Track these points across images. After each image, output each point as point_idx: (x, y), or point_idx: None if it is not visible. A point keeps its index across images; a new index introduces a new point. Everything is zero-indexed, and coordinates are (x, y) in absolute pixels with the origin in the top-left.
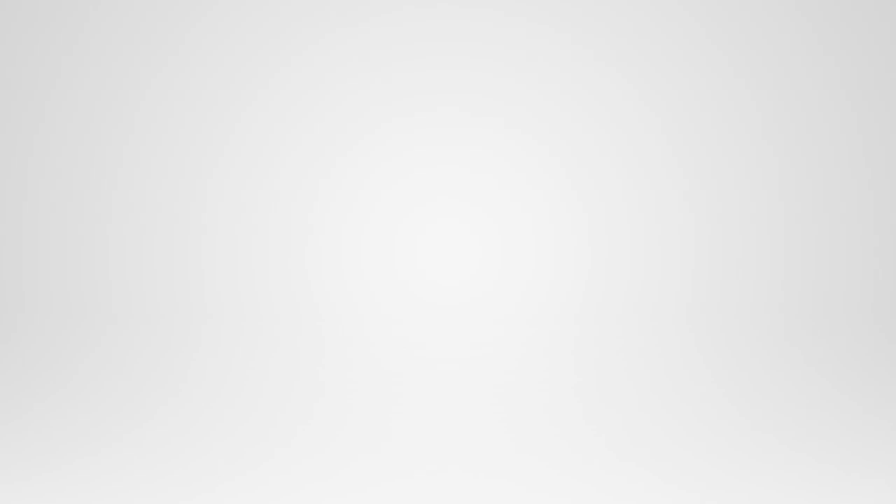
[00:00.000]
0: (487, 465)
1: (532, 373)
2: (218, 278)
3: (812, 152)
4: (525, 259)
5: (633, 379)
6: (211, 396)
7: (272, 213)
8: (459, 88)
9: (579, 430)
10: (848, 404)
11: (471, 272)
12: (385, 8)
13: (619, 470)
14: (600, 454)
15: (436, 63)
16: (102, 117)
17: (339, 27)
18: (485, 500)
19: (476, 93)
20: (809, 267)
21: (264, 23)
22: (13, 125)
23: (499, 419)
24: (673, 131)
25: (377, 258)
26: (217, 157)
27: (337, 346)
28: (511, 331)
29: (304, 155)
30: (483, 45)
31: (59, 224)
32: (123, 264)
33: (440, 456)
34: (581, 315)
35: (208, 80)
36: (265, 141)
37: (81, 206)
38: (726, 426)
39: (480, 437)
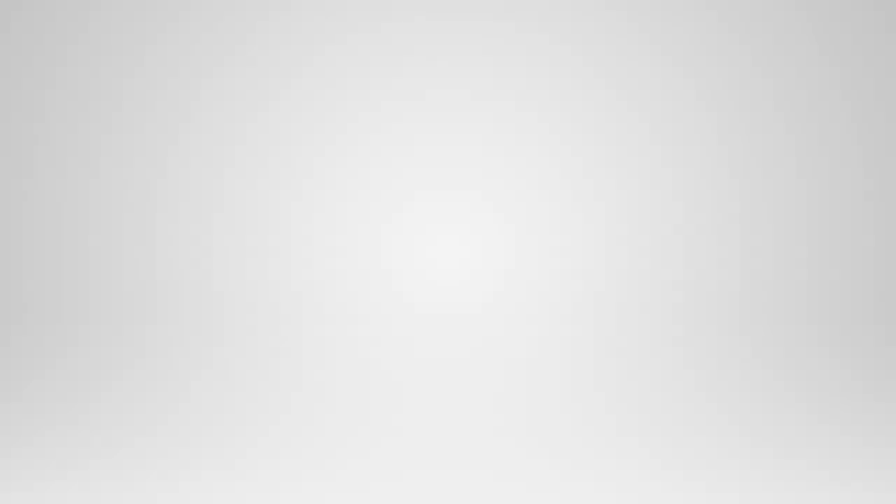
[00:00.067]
0: (487, 464)
1: (532, 373)
2: (218, 279)
3: (811, 152)
4: (525, 259)
5: (633, 379)
6: (208, 397)
7: (269, 214)
8: (459, 88)
9: (580, 430)
10: (848, 404)
11: (470, 272)
12: (386, 9)
13: (622, 469)
14: (601, 454)
15: (436, 63)
16: (102, 117)
17: (339, 28)
18: (485, 499)
19: (476, 93)
20: (809, 267)
21: (263, 24)
22: (13, 125)
23: (499, 419)
24: (673, 131)
25: (377, 258)
26: (215, 159)
27: (336, 346)
28: (511, 330)
29: (302, 155)
30: (483, 45)
31: (59, 224)
32: (122, 265)
33: (441, 455)
34: (581, 315)
35: (207, 81)
36: (263, 143)
37: (81, 206)
38: (726, 426)
39: (481, 437)
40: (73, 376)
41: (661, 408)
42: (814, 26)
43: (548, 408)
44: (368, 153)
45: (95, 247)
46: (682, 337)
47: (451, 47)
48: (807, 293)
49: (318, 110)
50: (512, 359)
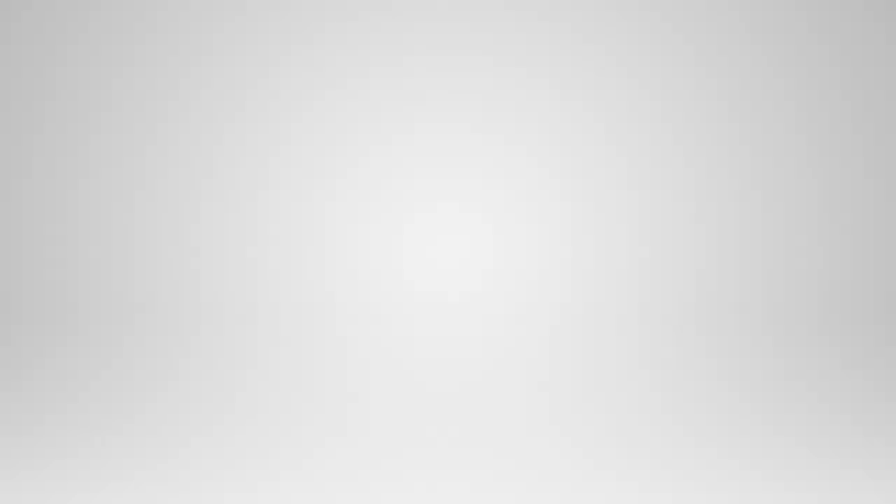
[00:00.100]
0: (487, 464)
1: (532, 373)
2: (219, 277)
3: (811, 152)
4: (525, 258)
5: (633, 379)
6: (208, 396)
7: (273, 212)
8: (460, 89)
9: (578, 430)
10: (848, 405)
11: (471, 271)
12: (386, 9)
13: (623, 469)
14: (600, 454)
15: (437, 63)
16: (102, 117)
17: (342, 29)
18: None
19: (477, 93)
20: (809, 267)
21: (269, 23)
22: (13, 125)
23: (499, 419)
24: (673, 132)
25: (377, 257)
26: (218, 157)
27: (337, 346)
28: (511, 330)
29: (303, 155)
30: (483, 45)
31: (59, 224)
32: (125, 263)
33: (441, 455)
34: (581, 315)
35: (209, 79)
36: (267, 141)
37: (80, 207)
38: (726, 427)
39: (481, 437)
40: (75, 376)
41: (661, 408)
42: (817, 25)
43: (548, 408)
44: (368, 153)
45: (96, 247)
46: (683, 337)
47: (455, 47)
48: (807, 293)
49: (317, 108)
50: (512, 359)
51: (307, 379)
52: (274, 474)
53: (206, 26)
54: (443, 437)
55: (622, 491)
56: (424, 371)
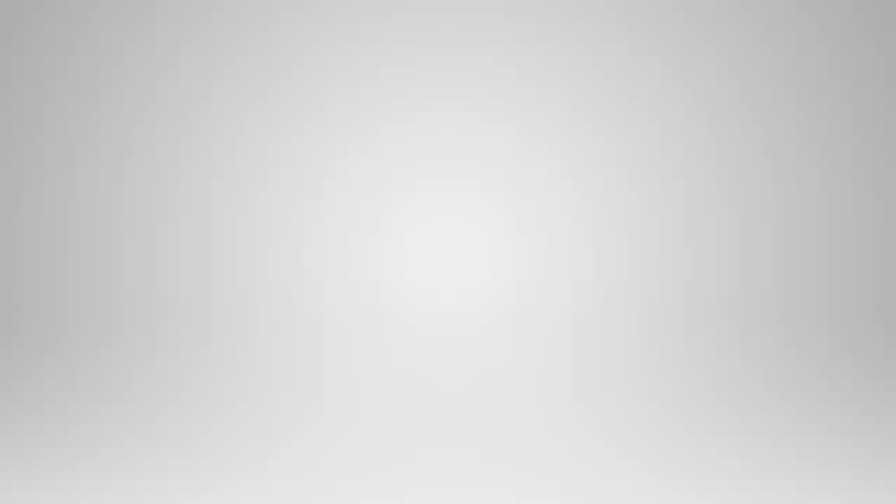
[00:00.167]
0: (490, 463)
1: (532, 373)
2: (219, 279)
3: (811, 154)
4: (526, 260)
5: (634, 380)
6: (213, 397)
7: (274, 215)
8: (460, 89)
9: (579, 431)
10: (848, 406)
11: (471, 272)
12: (387, 9)
13: (624, 470)
14: (602, 454)
15: (437, 63)
16: (102, 117)
17: (341, 28)
18: (487, 499)
19: (476, 96)
20: (809, 268)
21: (268, 24)
22: (13, 125)
23: (501, 419)
24: (672, 133)
25: (377, 259)
26: (218, 159)
27: (338, 347)
28: (512, 331)
29: (305, 158)
30: (482, 45)
31: (58, 224)
32: (125, 264)
33: (441, 456)
34: (582, 316)
35: (208, 80)
36: (267, 143)
37: (80, 206)
38: (725, 427)
39: (482, 437)
40: (77, 377)
41: (662, 409)
42: (819, 26)
43: (550, 409)
44: (367, 153)
45: (96, 247)
46: (684, 338)
47: (455, 47)
48: (807, 294)
49: (318, 111)
50: (513, 359)
51: (308, 380)
52: (276, 475)
53: (205, 27)
54: (445, 437)
55: (624, 491)
56: (426, 372)
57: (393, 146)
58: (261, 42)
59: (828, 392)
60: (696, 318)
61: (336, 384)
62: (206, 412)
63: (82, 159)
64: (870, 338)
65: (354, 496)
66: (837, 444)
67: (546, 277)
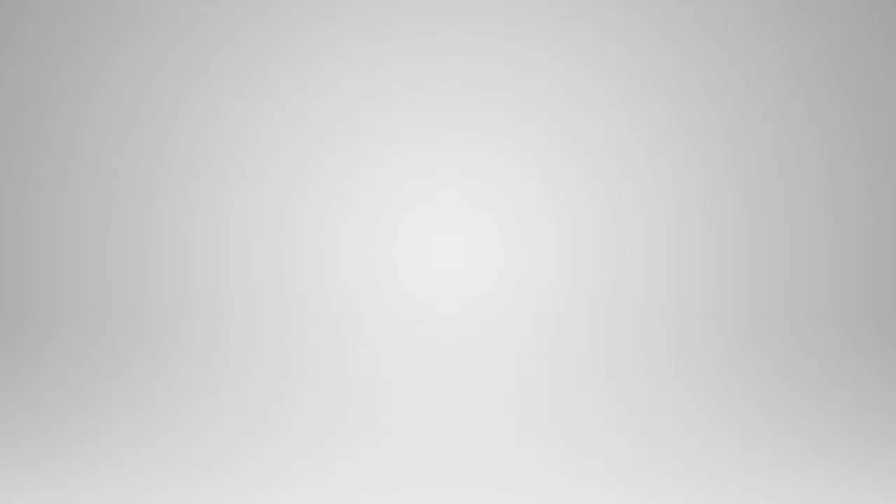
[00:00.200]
0: (488, 464)
1: (531, 375)
2: (218, 280)
3: (810, 153)
4: (524, 261)
5: (631, 380)
6: (212, 398)
7: (273, 215)
8: (460, 88)
9: (578, 431)
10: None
11: (470, 272)
12: (385, 9)
13: (621, 471)
14: (599, 455)
15: (437, 63)
16: (103, 117)
17: (342, 29)
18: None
19: (477, 93)
20: (809, 269)
21: (267, 24)
22: (13, 126)
23: (499, 420)
24: (672, 132)
25: (376, 260)
26: (217, 159)
27: (336, 348)
28: (510, 333)
29: (305, 158)
30: (482, 45)
31: (58, 224)
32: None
33: (442, 455)
34: (581, 317)
35: (207, 80)
36: (267, 144)
37: (80, 207)
38: (725, 427)
39: (481, 438)
40: (78, 378)
41: (661, 410)
42: (820, 27)
43: (548, 410)
44: (367, 153)
45: (97, 247)
46: (682, 339)
47: (454, 48)
48: (808, 294)
49: (317, 111)
50: (513, 359)
51: (306, 381)
52: (273, 475)
53: (204, 27)
54: (443, 437)
55: (622, 492)
56: (424, 372)
57: (393, 145)
58: (259, 43)
59: (830, 391)
60: (695, 321)
61: (335, 385)
62: (204, 414)
63: (83, 160)
64: (876, 338)
65: (354, 496)
66: (838, 444)
67: (544, 279)
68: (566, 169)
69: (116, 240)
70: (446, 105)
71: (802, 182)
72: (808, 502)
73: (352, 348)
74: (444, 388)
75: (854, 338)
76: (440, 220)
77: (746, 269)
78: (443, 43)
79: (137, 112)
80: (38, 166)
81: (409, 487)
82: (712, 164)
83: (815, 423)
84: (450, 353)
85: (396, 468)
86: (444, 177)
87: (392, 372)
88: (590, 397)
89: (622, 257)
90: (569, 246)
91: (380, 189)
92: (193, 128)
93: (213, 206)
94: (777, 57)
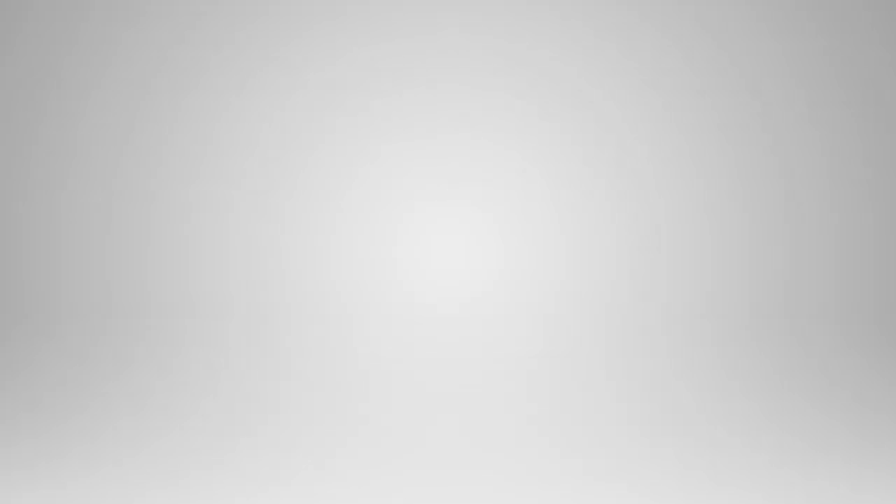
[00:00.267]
0: (488, 464)
1: (531, 375)
2: (218, 280)
3: (810, 154)
4: (525, 260)
5: (630, 381)
6: (212, 398)
7: (273, 216)
8: (460, 88)
9: (577, 431)
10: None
11: (470, 272)
12: (385, 9)
13: (620, 472)
14: (599, 455)
15: (437, 63)
16: (103, 117)
17: (340, 27)
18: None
19: (477, 93)
20: (809, 269)
21: (266, 24)
22: (13, 126)
23: (499, 420)
24: (672, 132)
25: (375, 260)
26: (217, 159)
27: (336, 347)
28: (511, 331)
29: (303, 155)
30: (482, 45)
31: (58, 224)
32: (125, 264)
33: (441, 456)
34: (580, 317)
35: (207, 81)
36: (266, 144)
37: (80, 207)
38: (725, 427)
39: (481, 438)
40: (79, 376)
41: (661, 410)
42: (820, 27)
43: (548, 409)
44: (367, 153)
45: (97, 247)
46: (681, 340)
47: (454, 49)
48: (808, 294)
49: (316, 111)
50: (513, 359)
51: (306, 381)
52: (273, 475)
53: (204, 27)
54: (443, 437)
55: (622, 492)
56: (424, 372)
57: (392, 145)
58: (258, 43)
59: (830, 391)
60: (694, 321)
61: (335, 385)
62: (204, 413)
63: (84, 160)
64: (876, 338)
65: (354, 496)
66: (838, 444)
67: (543, 279)
68: (566, 169)
69: (116, 240)
70: (446, 105)
71: (803, 182)
72: (808, 502)
73: (352, 348)
74: (444, 388)
75: (854, 338)
76: (440, 220)
77: (746, 269)
78: (443, 43)
79: (137, 112)
80: (38, 166)
81: (409, 487)
82: (712, 164)
83: (815, 423)
84: (450, 353)
85: (396, 468)
86: (444, 177)
87: (392, 372)
88: (590, 397)
89: (622, 257)
90: (569, 246)
91: (380, 189)
92: (193, 128)
93: (213, 206)
94: (777, 57)
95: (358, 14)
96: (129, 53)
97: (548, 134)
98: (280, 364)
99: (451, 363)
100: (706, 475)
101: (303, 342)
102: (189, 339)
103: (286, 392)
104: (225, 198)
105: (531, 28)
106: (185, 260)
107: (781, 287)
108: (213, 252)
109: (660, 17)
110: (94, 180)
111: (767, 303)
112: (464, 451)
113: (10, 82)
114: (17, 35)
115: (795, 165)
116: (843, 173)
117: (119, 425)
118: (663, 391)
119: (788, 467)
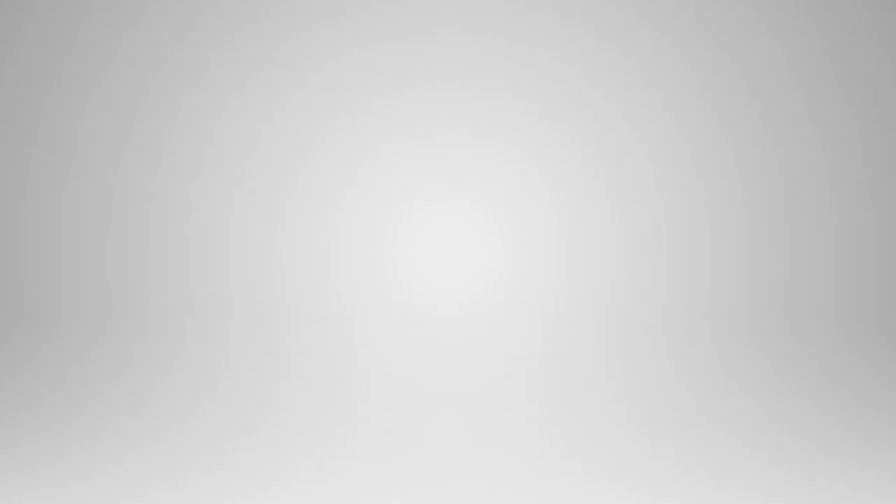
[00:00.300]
0: (488, 464)
1: (531, 374)
2: (218, 281)
3: (810, 154)
4: (525, 260)
5: (630, 381)
6: (211, 398)
7: (272, 216)
8: (461, 88)
9: (576, 431)
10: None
11: (470, 272)
12: (385, 9)
13: (620, 471)
14: (598, 455)
15: (437, 63)
16: (103, 117)
17: (340, 27)
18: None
19: (477, 93)
20: (809, 269)
21: (265, 24)
22: (13, 126)
23: (499, 420)
24: (672, 132)
25: (375, 260)
26: (217, 159)
27: (336, 347)
28: (511, 331)
29: (303, 155)
30: (482, 45)
31: (58, 224)
32: (125, 264)
33: (442, 455)
34: (580, 317)
35: (206, 80)
36: (266, 144)
37: (80, 207)
38: (725, 427)
39: (481, 438)
40: (79, 376)
41: (660, 411)
42: (820, 27)
43: (548, 409)
44: (367, 153)
45: (97, 247)
46: (680, 340)
47: (453, 49)
48: (808, 294)
49: (316, 111)
50: (513, 359)
51: (306, 381)
52: (273, 475)
53: (204, 27)
54: (443, 437)
55: (622, 492)
56: (424, 372)
57: (388, 149)
58: (272, 45)
59: (830, 391)
60: (693, 321)
61: (335, 385)
62: (204, 414)
63: (84, 160)
64: (876, 338)
65: (354, 496)
66: (838, 444)
67: (543, 279)
68: (566, 169)
69: (116, 240)
70: (446, 105)
71: (803, 182)
72: (808, 502)
73: (352, 348)
74: (444, 388)
75: (854, 338)
76: (440, 220)
77: (746, 270)
78: (443, 43)
79: (137, 112)
80: (38, 166)
81: (409, 487)
82: (712, 164)
83: (815, 423)
84: (450, 353)
85: (396, 468)
86: (444, 177)
87: (392, 372)
88: (590, 397)
89: (622, 257)
90: (569, 246)
91: (380, 189)
92: (193, 128)
93: (213, 206)
94: (777, 57)
95: (358, 14)
96: (129, 53)
97: (548, 134)
98: (280, 364)
99: (451, 363)
100: (706, 475)
101: (303, 342)
102: (189, 339)
103: (286, 392)
104: (225, 198)
105: (531, 28)
106: (185, 260)
107: (781, 287)
108: (213, 252)
109: (660, 17)
110: (94, 180)
111: (767, 303)
112: (464, 451)
113: (10, 82)
114: (17, 35)
115: (795, 165)
116: (843, 173)
117: (119, 425)
118: (663, 391)
119: (788, 467)
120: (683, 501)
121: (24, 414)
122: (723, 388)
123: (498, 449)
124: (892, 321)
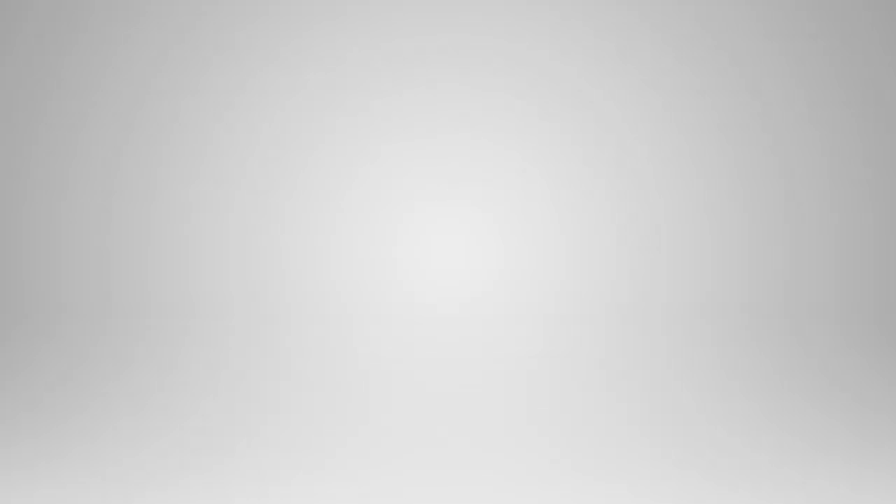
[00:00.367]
0: (488, 464)
1: (531, 374)
2: (218, 281)
3: (810, 153)
4: (525, 260)
5: (630, 380)
6: (212, 398)
7: (273, 216)
8: (461, 88)
9: (585, 431)
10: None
11: (471, 272)
12: (385, 9)
13: (620, 471)
14: (598, 454)
15: (437, 63)
16: (103, 117)
17: (340, 27)
18: (486, 499)
19: (477, 93)
20: (809, 269)
21: (265, 23)
22: (13, 126)
23: (499, 420)
24: (672, 132)
25: (377, 258)
26: (217, 159)
27: (336, 347)
28: (511, 331)
29: (303, 155)
30: (482, 45)
31: (58, 224)
32: (125, 264)
33: (442, 455)
34: (580, 317)
35: (206, 80)
36: (266, 144)
37: (80, 207)
38: (725, 427)
39: (480, 437)
40: (79, 376)
41: (660, 411)
42: (820, 26)
43: (548, 409)
44: (367, 153)
45: (97, 247)
46: (679, 340)
47: (453, 49)
48: (808, 294)
49: (316, 111)
50: (513, 359)
51: (306, 381)
52: (273, 475)
53: (204, 27)
54: (443, 437)
55: (622, 492)
56: (424, 372)
57: (388, 149)
58: (272, 45)
59: (830, 391)
60: (693, 321)
61: (335, 385)
62: (204, 414)
63: (84, 160)
64: (876, 338)
65: (354, 496)
66: (838, 444)
67: (544, 279)
68: (566, 169)
69: (116, 240)
70: (446, 105)
71: (803, 182)
72: (808, 502)
73: (352, 348)
74: (444, 388)
75: (854, 338)
76: (440, 220)
77: (746, 269)
78: (443, 43)
79: (137, 112)
80: (38, 166)
81: (410, 487)
82: (712, 164)
83: (815, 423)
84: (450, 353)
85: (396, 468)
86: (444, 177)
87: (392, 372)
88: (590, 397)
89: (622, 257)
90: (569, 246)
91: (380, 189)
92: (193, 128)
93: (213, 206)
94: (777, 57)
95: (358, 14)
96: (129, 53)
97: (548, 134)
98: (280, 364)
99: (451, 363)
100: (706, 475)
101: (303, 342)
102: (189, 339)
103: (286, 392)
104: (225, 198)
105: (531, 28)
106: (185, 260)
107: (781, 287)
108: (213, 252)
109: (660, 17)
110: (94, 180)
111: (767, 303)
112: (464, 451)
113: (10, 82)
114: (17, 35)
115: (795, 165)
116: (843, 173)
117: (119, 425)
118: (663, 391)
119: (788, 467)
120: (683, 501)
121: (24, 414)
122: (723, 388)
123: (498, 449)
124: (892, 321)
